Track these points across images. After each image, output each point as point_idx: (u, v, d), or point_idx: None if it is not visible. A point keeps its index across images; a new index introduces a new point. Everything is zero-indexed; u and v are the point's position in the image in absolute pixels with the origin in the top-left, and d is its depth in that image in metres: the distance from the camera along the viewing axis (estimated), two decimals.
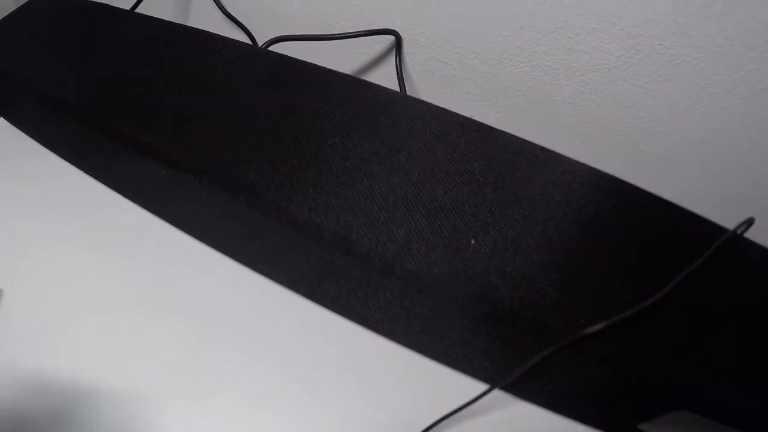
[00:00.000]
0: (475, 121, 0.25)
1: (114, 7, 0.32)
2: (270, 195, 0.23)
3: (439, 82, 0.37)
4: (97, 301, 0.28)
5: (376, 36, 0.36)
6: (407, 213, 0.22)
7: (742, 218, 0.24)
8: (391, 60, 0.37)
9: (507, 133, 0.25)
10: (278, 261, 0.27)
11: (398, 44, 0.35)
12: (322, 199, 0.22)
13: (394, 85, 0.29)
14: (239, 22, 0.39)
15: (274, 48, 0.32)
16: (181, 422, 0.25)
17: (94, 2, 0.33)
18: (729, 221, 0.24)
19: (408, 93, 0.29)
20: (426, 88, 0.38)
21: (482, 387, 0.23)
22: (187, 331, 0.27)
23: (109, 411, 0.25)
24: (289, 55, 0.29)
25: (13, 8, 0.34)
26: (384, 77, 0.39)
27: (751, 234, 0.24)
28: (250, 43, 0.37)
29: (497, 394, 0.25)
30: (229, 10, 0.40)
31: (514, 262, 0.21)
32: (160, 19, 0.31)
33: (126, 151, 0.26)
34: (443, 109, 0.26)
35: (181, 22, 0.31)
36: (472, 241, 0.22)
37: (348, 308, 0.27)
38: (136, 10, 0.33)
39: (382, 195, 0.23)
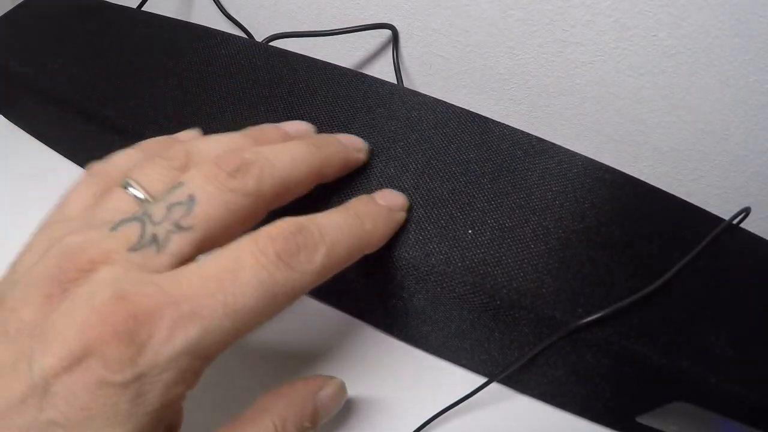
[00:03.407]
0: (471, 112, 0.25)
1: (116, 4, 0.32)
2: None
3: (436, 75, 0.37)
4: None
5: (372, 30, 0.36)
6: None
7: (737, 208, 0.24)
8: (388, 54, 0.37)
9: (503, 124, 0.25)
10: None
11: (395, 38, 0.36)
12: (321, 189, 0.23)
13: (391, 79, 0.29)
14: (237, 21, 0.40)
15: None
16: None
17: (96, 0, 0.33)
18: (725, 211, 0.24)
19: (405, 86, 0.29)
20: (423, 82, 0.38)
21: (481, 380, 0.23)
22: None
23: None
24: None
25: (11, 6, 0.34)
26: (381, 71, 0.39)
27: (747, 224, 0.24)
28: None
29: (495, 387, 0.25)
30: (228, 9, 0.40)
31: (512, 252, 0.21)
32: (162, 16, 0.31)
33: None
34: (440, 100, 0.26)
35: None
36: (470, 231, 0.22)
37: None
38: (141, 10, 0.33)
39: (379, 185, 0.23)
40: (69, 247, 0.14)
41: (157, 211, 0.15)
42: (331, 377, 0.19)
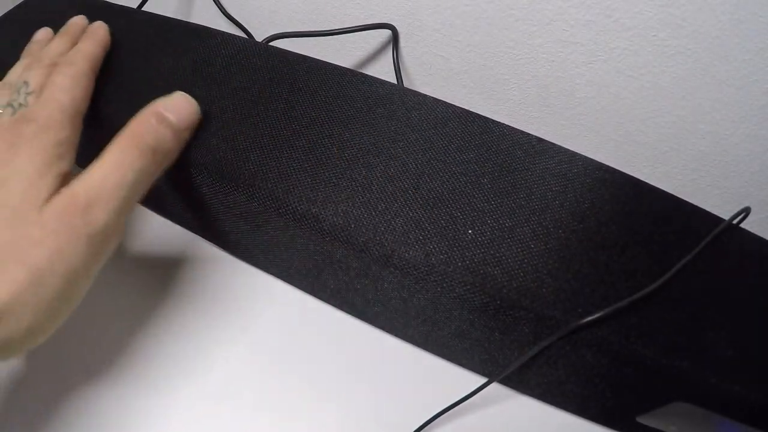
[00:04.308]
0: (471, 112, 0.25)
1: (116, 4, 0.32)
2: (269, 186, 0.23)
3: (436, 76, 0.37)
4: None
5: (372, 30, 0.36)
6: (405, 203, 0.22)
7: (737, 208, 0.24)
8: (389, 54, 0.37)
9: (503, 124, 0.25)
10: (276, 254, 0.27)
11: (395, 38, 0.36)
12: (321, 190, 0.23)
13: (391, 79, 0.29)
14: (237, 21, 0.40)
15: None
16: (177, 420, 0.25)
17: (96, 0, 0.33)
18: (725, 211, 0.24)
19: (405, 86, 0.29)
20: (423, 82, 0.38)
21: (481, 380, 0.23)
22: (178, 322, 0.27)
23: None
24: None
25: (11, 6, 0.34)
26: (381, 71, 0.39)
27: (747, 224, 0.24)
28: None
29: (495, 387, 0.25)
30: (228, 9, 0.40)
31: (511, 252, 0.21)
32: (162, 16, 0.31)
33: None
34: (440, 100, 0.26)
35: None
36: (470, 231, 0.22)
37: (347, 301, 0.27)
38: (142, 10, 0.33)
39: (379, 185, 0.23)
40: None
41: (13, 95, 0.24)
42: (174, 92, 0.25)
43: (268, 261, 0.28)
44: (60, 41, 0.28)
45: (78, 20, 0.30)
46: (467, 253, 0.21)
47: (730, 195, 0.33)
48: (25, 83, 0.24)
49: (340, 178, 0.23)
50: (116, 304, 0.27)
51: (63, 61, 0.26)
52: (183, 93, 0.24)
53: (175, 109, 0.23)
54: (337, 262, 0.23)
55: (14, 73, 0.27)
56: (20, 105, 0.23)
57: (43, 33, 0.30)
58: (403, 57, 0.37)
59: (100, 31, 0.29)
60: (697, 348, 0.20)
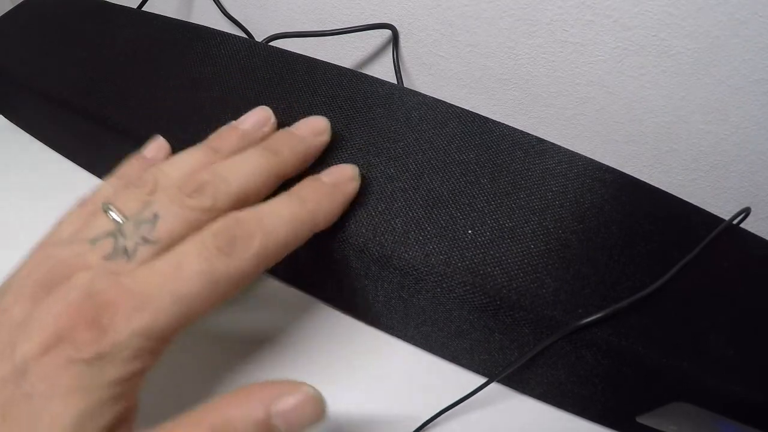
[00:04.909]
0: (471, 112, 0.25)
1: (116, 4, 0.32)
2: None
3: (436, 75, 0.37)
4: None
5: (372, 30, 0.36)
6: (405, 203, 0.22)
7: (737, 208, 0.24)
8: (388, 54, 0.38)
9: (503, 124, 0.25)
10: None
11: (395, 38, 0.36)
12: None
13: (391, 79, 0.29)
14: (237, 21, 0.40)
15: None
16: None
17: (95, 0, 0.33)
18: (725, 211, 0.24)
19: (405, 86, 0.29)
20: (423, 82, 0.38)
21: (481, 380, 0.23)
22: None
23: None
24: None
25: (11, 6, 0.35)
26: (381, 71, 0.39)
27: (747, 224, 0.24)
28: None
29: (495, 387, 0.25)
30: (228, 9, 0.41)
31: (511, 252, 0.21)
32: (162, 16, 0.31)
33: (127, 147, 0.26)
34: (440, 100, 0.26)
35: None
36: (469, 231, 0.22)
37: (346, 302, 0.27)
38: (142, 10, 0.33)
39: (379, 185, 0.23)
40: (56, 259, 0.17)
41: (128, 228, 0.17)
42: (300, 384, 0.16)
43: None
44: (248, 166, 0.19)
45: (316, 138, 0.22)
46: (467, 254, 0.21)
47: (730, 195, 0.33)
48: (156, 217, 0.17)
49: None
50: None
51: (226, 235, 0.17)
52: None
53: None
54: (336, 262, 0.23)
55: (170, 175, 0.19)
56: (124, 251, 0.17)
57: (254, 120, 0.22)
58: (403, 57, 0.37)
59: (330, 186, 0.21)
60: (697, 348, 0.20)
